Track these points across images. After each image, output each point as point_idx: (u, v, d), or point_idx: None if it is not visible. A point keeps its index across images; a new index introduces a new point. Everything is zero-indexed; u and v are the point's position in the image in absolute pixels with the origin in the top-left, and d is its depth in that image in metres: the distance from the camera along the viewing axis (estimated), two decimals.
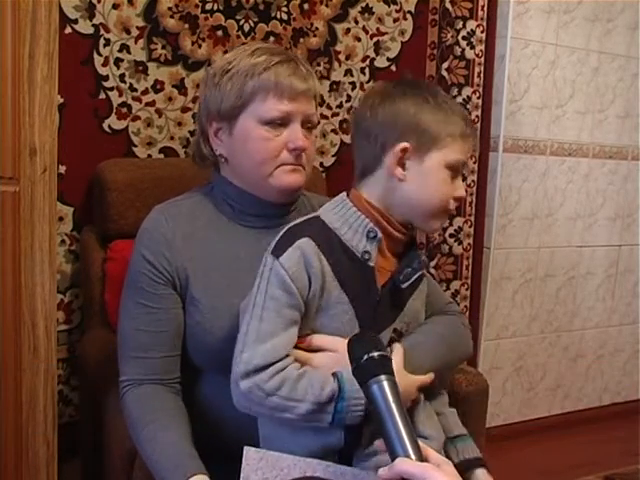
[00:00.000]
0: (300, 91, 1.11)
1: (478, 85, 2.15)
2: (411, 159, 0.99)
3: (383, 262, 1.01)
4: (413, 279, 1.01)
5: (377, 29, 1.99)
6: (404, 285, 1.00)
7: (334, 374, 0.93)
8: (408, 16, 2.02)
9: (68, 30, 1.60)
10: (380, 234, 0.99)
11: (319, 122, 1.24)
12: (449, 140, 0.98)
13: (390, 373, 0.80)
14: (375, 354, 0.80)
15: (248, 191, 1.16)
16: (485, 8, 2.12)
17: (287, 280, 0.95)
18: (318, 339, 0.98)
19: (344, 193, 1.04)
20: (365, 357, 0.80)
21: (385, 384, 0.78)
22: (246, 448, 0.91)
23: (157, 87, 1.73)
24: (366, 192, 1.02)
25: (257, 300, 0.96)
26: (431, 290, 1.14)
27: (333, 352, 0.96)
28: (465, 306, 2.26)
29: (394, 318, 1.03)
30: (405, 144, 0.98)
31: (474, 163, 2.19)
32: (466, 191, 2.18)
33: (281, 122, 1.11)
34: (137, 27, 1.68)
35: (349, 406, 0.91)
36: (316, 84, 1.17)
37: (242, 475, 0.90)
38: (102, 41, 1.64)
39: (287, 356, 0.95)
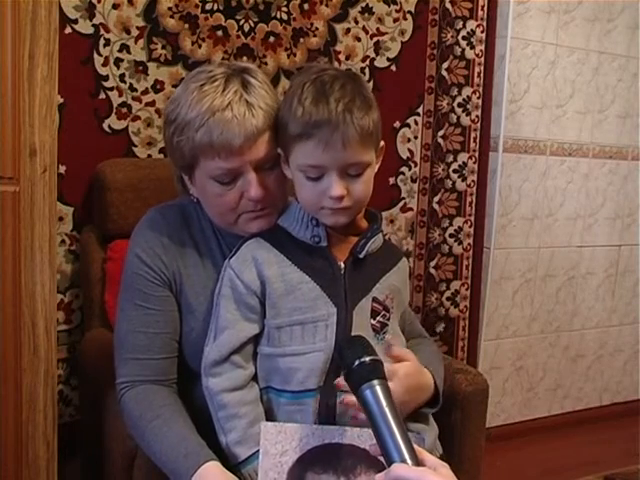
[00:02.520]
0: (238, 146, 1.03)
1: (478, 85, 2.16)
2: (287, 163, 1.05)
3: (341, 243, 1.06)
4: (368, 247, 1.05)
5: (377, 29, 1.99)
6: (361, 255, 1.05)
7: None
8: (408, 16, 2.02)
9: (68, 30, 1.60)
10: None
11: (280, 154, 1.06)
12: (294, 144, 1.01)
13: (382, 377, 0.80)
14: (367, 359, 0.81)
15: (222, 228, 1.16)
16: (485, 8, 2.12)
17: (234, 277, 1.04)
18: (396, 350, 1.04)
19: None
20: (357, 362, 0.81)
21: (378, 389, 0.78)
22: (263, 423, 0.93)
23: (157, 87, 1.73)
24: None
25: (215, 300, 1.07)
26: (410, 320, 1.25)
27: (409, 361, 1.04)
28: (465, 306, 2.26)
29: (369, 288, 1.06)
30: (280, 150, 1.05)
31: (474, 163, 2.19)
32: (466, 191, 2.19)
33: (231, 177, 1.06)
34: (137, 27, 1.68)
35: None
36: (266, 114, 1.04)
37: (261, 450, 0.91)
38: (102, 41, 1.65)
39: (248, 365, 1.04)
